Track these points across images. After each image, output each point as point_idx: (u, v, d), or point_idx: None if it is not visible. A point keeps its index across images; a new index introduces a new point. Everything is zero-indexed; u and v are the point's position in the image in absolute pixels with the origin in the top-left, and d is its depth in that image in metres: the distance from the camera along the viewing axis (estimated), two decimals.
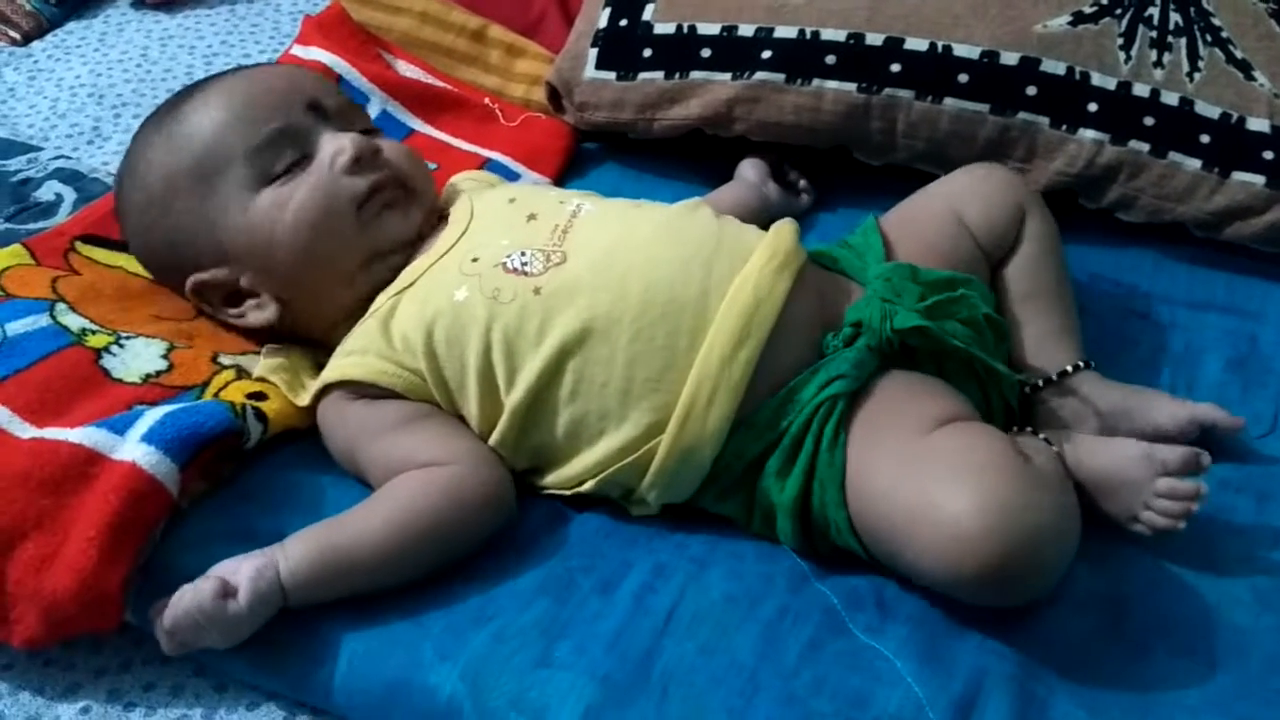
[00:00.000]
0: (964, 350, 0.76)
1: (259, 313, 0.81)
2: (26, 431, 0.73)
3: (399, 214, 0.81)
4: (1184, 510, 0.72)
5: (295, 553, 0.69)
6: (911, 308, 0.75)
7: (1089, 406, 0.81)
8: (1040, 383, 0.82)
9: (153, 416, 0.73)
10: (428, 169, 0.87)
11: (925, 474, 0.68)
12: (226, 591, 0.67)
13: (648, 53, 1.04)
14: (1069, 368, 0.82)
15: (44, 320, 0.80)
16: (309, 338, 0.83)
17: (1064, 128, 0.98)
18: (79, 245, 0.89)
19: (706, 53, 1.02)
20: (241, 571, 0.68)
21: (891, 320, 0.75)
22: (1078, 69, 0.98)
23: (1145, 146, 0.97)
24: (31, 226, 0.96)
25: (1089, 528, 0.74)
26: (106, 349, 0.79)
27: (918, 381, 0.76)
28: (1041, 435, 0.77)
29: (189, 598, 0.66)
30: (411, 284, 0.79)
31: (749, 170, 1.02)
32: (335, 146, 0.80)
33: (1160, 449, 0.74)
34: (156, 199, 0.81)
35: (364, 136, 0.81)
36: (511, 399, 0.75)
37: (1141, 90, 0.98)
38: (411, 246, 0.81)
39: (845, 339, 0.76)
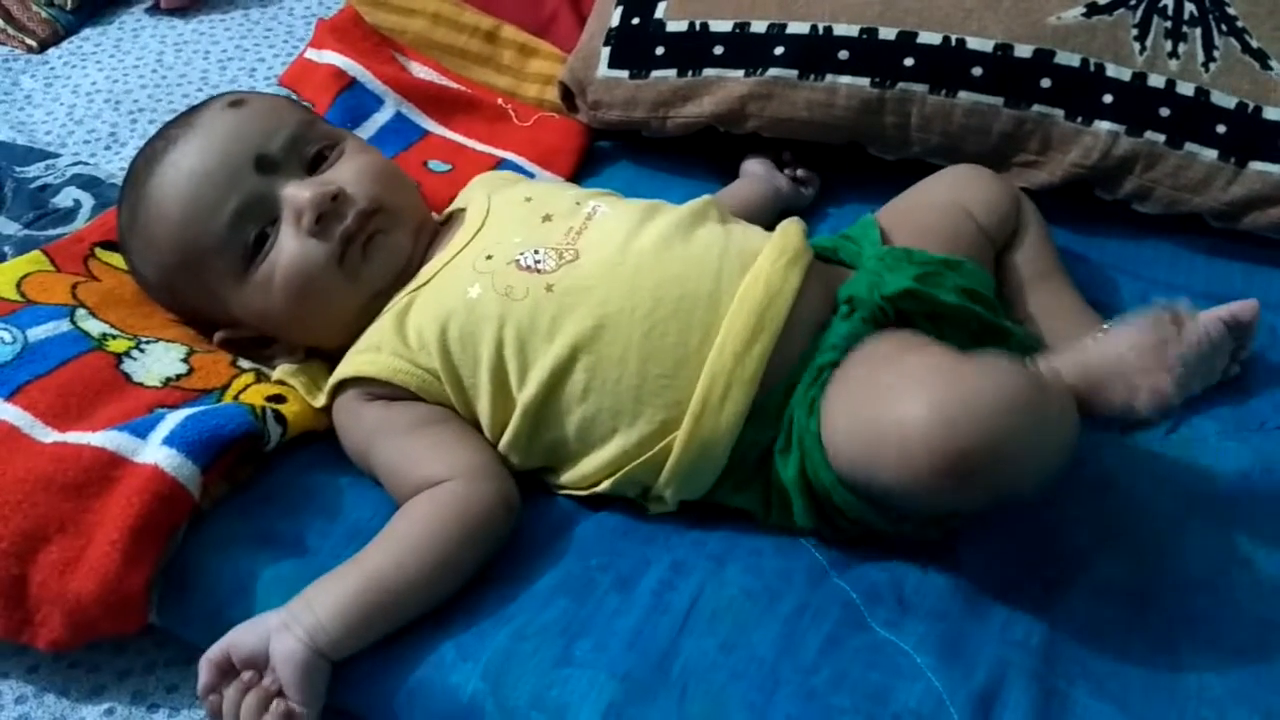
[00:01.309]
0: (958, 306, 0.75)
1: (288, 355, 0.82)
2: (49, 436, 0.73)
3: (385, 247, 0.80)
4: (1162, 361, 0.67)
5: (329, 621, 0.66)
6: (902, 276, 0.75)
7: None
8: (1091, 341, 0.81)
9: (174, 419, 0.73)
10: (403, 180, 0.85)
11: (878, 394, 0.67)
12: (293, 714, 0.65)
13: (660, 51, 1.04)
14: (1106, 326, 0.81)
15: (65, 326, 0.81)
16: (340, 347, 0.82)
17: (1079, 120, 0.97)
18: (98, 251, 0.89)
19: (719, 50, 1.02)
20: (286, 671, 0.65)
21: (880, 288, 0.75)
22: (1092, 60, 0.98)
23: (1161, 137, 0.97)
24: (50, 233, 0.97)
25: (1109, 518, 0.74)
26: (127, 353, 0.80)
27: (893, 335, 0.75)
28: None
29: None
30: (427, 282, 0.79)
31: (755, 165, 1.03)
32: (295, 208, 0.77)
33: (1136, 320, 0.70)
34: (158, 284, 0.83)
35: (321, 185, 0.78)
36: (523, 396, 0.75)
37: (1157, 81, 0.98)
38: (410, 269, 0.81)
39: (842, 317, 0.76)
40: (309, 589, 0.68)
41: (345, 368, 0.78)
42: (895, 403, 0.65)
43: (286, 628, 0.66)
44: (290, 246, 0.78)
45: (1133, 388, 0.68)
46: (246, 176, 0.78)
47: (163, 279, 0.82)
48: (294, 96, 1.09)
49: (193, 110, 0.83)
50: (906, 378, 0.66)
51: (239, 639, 0.67)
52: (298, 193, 0.78)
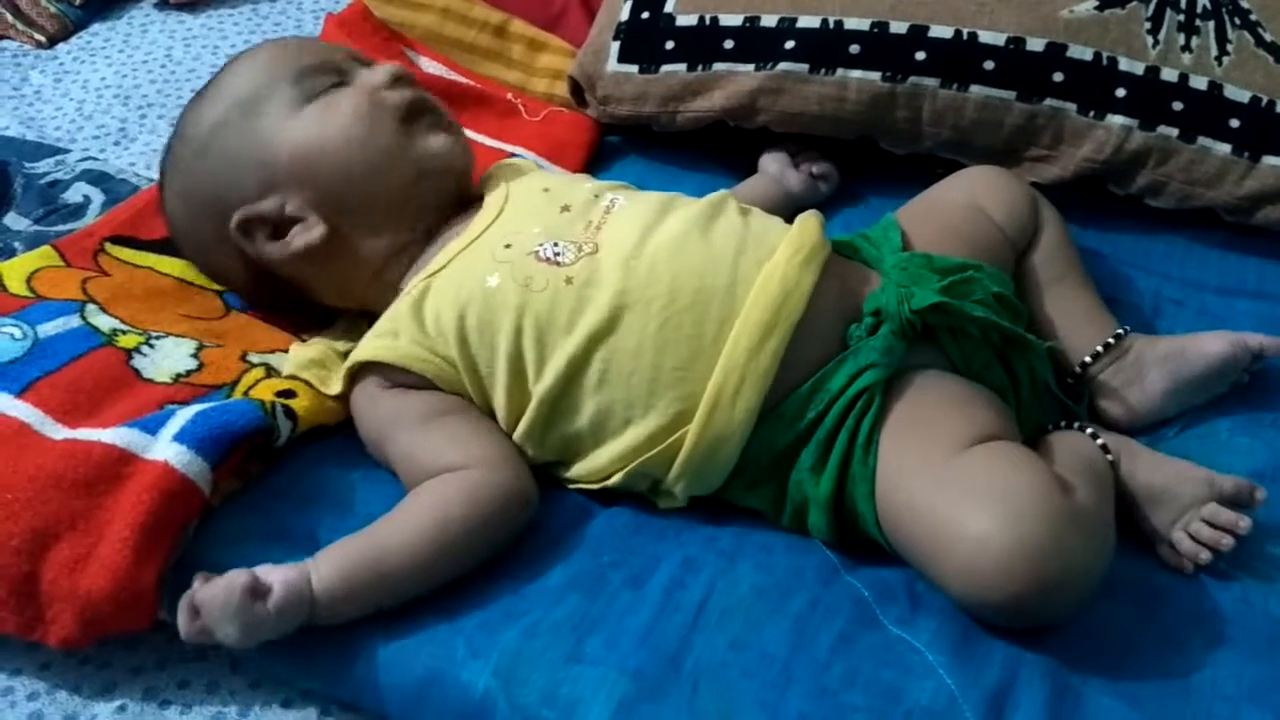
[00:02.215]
0: (985, 319, 0.75)
1: (305, 234, 0.80)
2: (59, 433, 0.73)
3: (444, 134, 0.84)
4: (1215, 539, 0.72)
5: (326, 568, 0.68)
6: (928, 288, 0.76)
7: (1147, 358, 0.83)
8: (1102, 347, 0.83)
9: (184, 416, 0.73)
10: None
11: (957, 499, 0.68)
12: (257, 590, 0.66)
13: (670, 45, 1.03)
14: (1121, 330, 0.84)
15: (75, 321, 0.81)
16: (350, 289, 0.83)
17: (1091, 114, 0.97)
18: (108, 246, 0.89)
19: (729, 44, 1.02)
20: (274, 575, 0.67)
21: (909, 302, 0.75)
22: (1105, 54, 0.97)
23: (1174, 131, 0.96)
24: (60, 228, 0.97)
25: (1122, 515, 0.74)
26: (137, 349, 0.80)
27: (953, 386, 0.76)
28: (1101, 440, 0.77)
29: (221, 586, 0.66)
30: (444, 267, 0.79)
31: (769, 163, 1.03)
32: (372, 72, 0.84)
33: (1220, 477, 0.74)
34: (203, 140, 0.83)
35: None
36: (540, 387, 0.75)
37: (1170, 75, 0.97)
38: (456, 188, 0.84)
39: (868, 329, 0.76)
40: (322, 550, 0.70)
41: (362, 351, 0.78)
42: (961, 515, 0.67)
43: (295, 566, 0.68)
44: (360, 89, 0.82)
45: (1169, 537, 0.73)
46: (339, 54, 0.86)
47: (210, 132, 0.82)
48: None
49: None
50: (974, 491, 0.67)
51: (255, 568, 0.68)
52: (378, 68, 0.84)
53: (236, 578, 0.66)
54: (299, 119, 0.80)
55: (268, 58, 0.84)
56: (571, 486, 0.78)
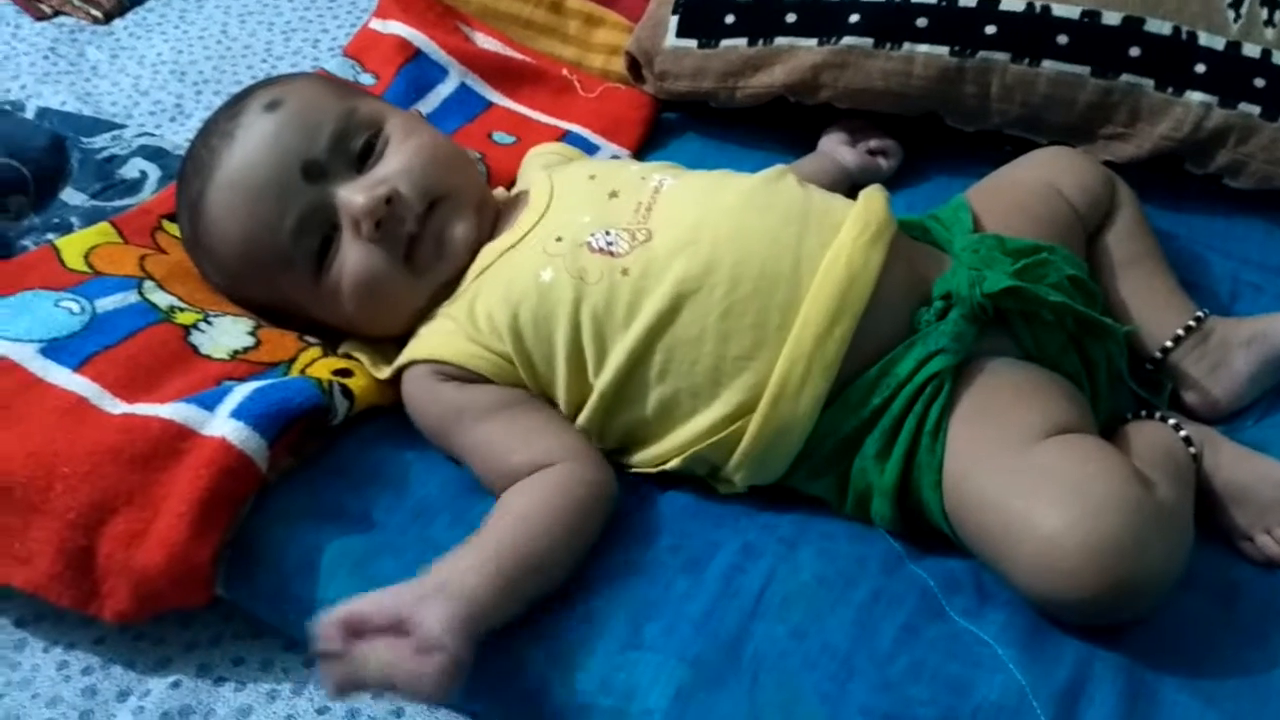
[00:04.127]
0: (1061, 304, 0.73)
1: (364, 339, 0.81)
2: (117, 407, 0.73)
3: (453, 240, 0.78)
4: None
5: (477, 590, 0.63)
6: (1001, 271, 0.73)
7: (1232, 341, 0.81)
8: (1183, 330, 0.81)
9: (242, 392, 0.73)
10: (456, 158, 0.82)
11: (1029, 493, 0.65)
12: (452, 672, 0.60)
13: (730, 19, 1.01)
14: (1201, 313, 0.82)
15: (133, 297, 0.80)
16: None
17: (1169, 90, 0.94)
18: (165, 224, 0.89)
19: (791, 18, 0.99)
20: (432, 624, 0.60)
21: (980, 286, 0.72)
22: (1184, 28, 0.94)
23: (1256, 109, 0.93)
24: (117, 204, 0.97)
25: (1198, 508, 0.72)
26: (195, 326, 0.79)
27: (1026, 374, 0.73)
28: (1184, 432, 0.74)
29: (426, 686, 0.59)
30: (492, 264, 0.78)
31: (824, 142, 1.01)
32: (351, 217, 0.75)
33: None
34: (233, 294, 0.82)
35: (373, 189, 0.75)
36: (601, 381, 0.73)
37: (1252, 50, 0.94)
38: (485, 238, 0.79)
39: (937, 313, 0.74)
40: (435, 567, 0.64)
41: (418, 348, 0.77)
42: (1034, 510, 0.64)
43: (432, 595, 0.61)
44: (354, 255, 0.76)
45: (1254, 534, 0.72)
46: (297, 188, 0.76)
47: (236, 289, 0.82)
48: (355, 65, 1.09)
49: (233, 109, 0.79)
50: (1048, 486, 0.65)
51: (374, 603, 0.61)
52: (351, 199, 0.75)
53: (437, 680, 0.59)
54: (318, 294, 0.77)
55: (245, 230, 0.76)
56: (629, 471, 0.77)
